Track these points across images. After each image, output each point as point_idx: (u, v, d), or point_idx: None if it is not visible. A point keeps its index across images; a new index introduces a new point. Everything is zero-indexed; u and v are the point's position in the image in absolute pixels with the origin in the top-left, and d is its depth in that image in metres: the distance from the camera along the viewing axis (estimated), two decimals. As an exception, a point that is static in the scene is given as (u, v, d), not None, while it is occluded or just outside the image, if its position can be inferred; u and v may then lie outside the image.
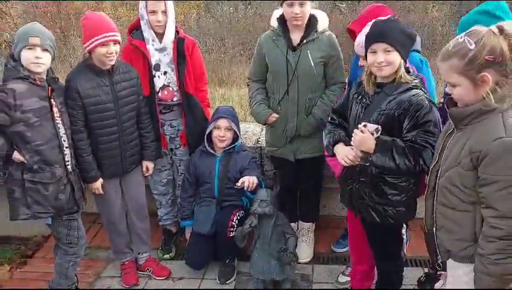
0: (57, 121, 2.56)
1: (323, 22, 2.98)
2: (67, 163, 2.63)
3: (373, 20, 2.31)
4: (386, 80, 2.22)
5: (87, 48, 2.68)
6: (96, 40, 2.63)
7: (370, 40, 2.20)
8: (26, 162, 2.49)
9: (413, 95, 2.14)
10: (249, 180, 2.94)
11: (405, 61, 2.21)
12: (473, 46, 1.66)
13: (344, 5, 13.11)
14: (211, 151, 3.19)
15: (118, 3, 14.71)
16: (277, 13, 3.03)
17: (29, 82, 2.45)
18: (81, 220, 2.87)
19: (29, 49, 2.43)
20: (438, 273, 2.71)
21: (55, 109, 2.55)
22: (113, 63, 2.74)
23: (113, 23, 2.75)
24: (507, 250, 1.68)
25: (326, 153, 2.59)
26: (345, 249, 3.30)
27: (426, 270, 3.08)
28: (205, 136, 3.16)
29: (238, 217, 3.08)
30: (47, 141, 2.52)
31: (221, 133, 3.12)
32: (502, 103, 1.68)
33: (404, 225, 2.71)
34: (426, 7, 12.77)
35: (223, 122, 3.12)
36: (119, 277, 3.19)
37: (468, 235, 1.81)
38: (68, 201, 2.65)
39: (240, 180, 2.97)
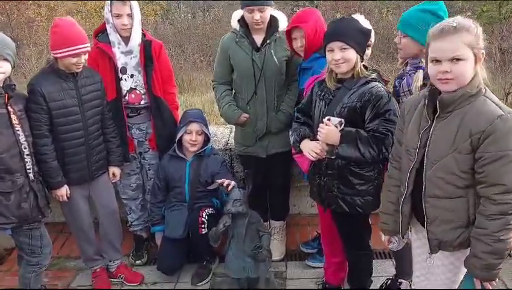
0: (17, 128, 2.48)
1: (283, 22, 3.08)
2: (28, 171, 2.54)
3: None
4: (345, 75, 2.33)
5: (56, 56, 2.63)
6: (69, 51, 2.59)
7: (327, 39, 2.31)
8: None
9: (372, 87, 2.26)
10: (229, 182, 2.94)
11: (361, 57, 2.31)
12: (474, 25, 1.76)
13: (302, 9, 13.40)
14: (181, 155, 3.18)
15: (73, 12, 14.39)
16: (237, 15, 3.09)
17: None
18: (48, 229, 2.80)
19: None
20: (399, 281, 2.82)
21: (13, 116, 2.47)
22: (79, 70, 2.71)
23: (84, 31, 2.71)
24: (511, 225, 1.72)
25: (293, 151, 2.65)
26: (314, 251, 3.32)
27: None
28: (175, 141, 3.15)
29: (208, 213, 3.06)
30: (7, 149, 2.43)
31: (193, 137, 3.13)
32: (475, 93, 1.76)
33: None
34: (381, 11, 13.20)
35: (194, 127, 3.12)
36: (90, 286, 3.13)
37: (463, 221, 1.84)
38: (32, 210, 2.57)
39: (219, 181, 2.95)
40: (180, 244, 3.14)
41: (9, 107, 2.45)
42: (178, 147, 3.18)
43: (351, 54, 2.26)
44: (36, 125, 2.64)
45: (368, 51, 2.53)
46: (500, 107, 1.74)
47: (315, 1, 13.21)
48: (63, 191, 2.79)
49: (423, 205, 1.93)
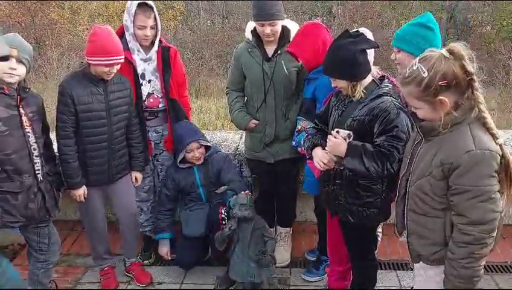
0: (27, 130, 2.55)
1: (295, 33, 3.09)
2: (37, 172, 2.61)
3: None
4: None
5: (90, 62, 2.72)
6: (103, 60, 2.69)
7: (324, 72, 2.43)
8: None
9: (382, 102, 2.26)
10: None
11: (355, 81, 2.31)
12: (426, 74, 1.75)
13: (319, 19, 13.46)
14: (187, 165, 3.25)
15: (94, 14, 14.68)
16: (251, 25, 3.16)
17: None
18: (59, 227, 2.89)
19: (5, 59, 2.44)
20: None
21: (24, 118, 2.53)
22: (110, 78, 2.81)
23: (120, 43, 2.80)
24: (476, 254, 1.79)
25: (307, 156, 2.69)
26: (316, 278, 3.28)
27: (399, 272, 3.24)
28: (178, 160, 3.23)
29: (225, 211, 3.11)
30: (16, 150, 2.50)
31: (195, 154, 3.20)
32: (463, 120, 1.78)
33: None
34: (399, 23, 13.21)
35: (194, 145, 3.19)
36: (98, 283, 3.20)
37: (439, 239, 1.91)
38: (39, 210, 2.64)
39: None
40: (198, 241, 3.22)
41: (21, 109, 2.52)
42: (182, 160, 3.25)
43: (343, 84, 2.32)
44: (62, 126, 2.75)
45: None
46: (475, 141, 1.74)
47: (333, 12, 13.25)
48: (81, 192, 2.88)
49: (405, 216, 2.00)
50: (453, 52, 1.76)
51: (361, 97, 2.31)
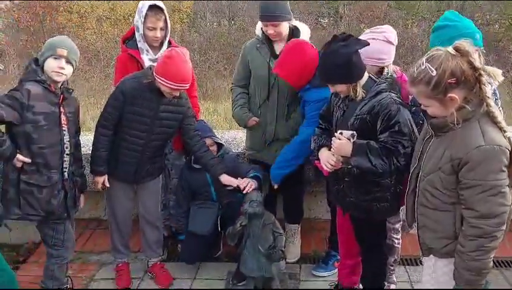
0: (64, 128, 2.66)
1: (304, 34, 3.14)
2: (64, 169, 2.70)
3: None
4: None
5: (157, 80, 2.77)
6: (170, 84, 2.74)
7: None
8: (29, 161, 2.57)
9: (382, 99, 2.30)
10: (250, 184, 3.03)
11: (354, 82, 2.34)
12: (434, 73, 1.76)
13: (326, 21, 13.48)
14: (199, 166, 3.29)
15: (102, 19, 14.82)
16: (261, 23, 3.19)
17: (43, 86, 2.56)
18: (73, 225, 2.96)
19: (55, 58, 2.56)
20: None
21: (63, 117, 2.65)
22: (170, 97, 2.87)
23: (190, 71, 2.84)
24: (485, 247, 1.82)
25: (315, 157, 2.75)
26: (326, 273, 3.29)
27: (408, 267, 3.30)
28: (191, 158, 3.28)
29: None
30: (50, 145, 2.61)
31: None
32: (472, 116, 1.80)
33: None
34: (406, 23, 13.21)
35: (207, 142, 3.21)
36: (112, 279, 3.27)
37: (449, 233, 1.94)
38: (59, 207, 2.72)
39: (242, 184, 3.03)
40: (203, 238, 3.26)
41: (61, 108, 2.64)
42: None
43: (343, 87, 2.37)
44: (105, 117, 2.87)
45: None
46: (485, 136, 1.77)
47: (339, 12, 13.28)
48: (101, 180, 2.96)
49: (416, 210, 2.04)
50: (459, 49, 1.79)
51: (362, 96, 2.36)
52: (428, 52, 1.87)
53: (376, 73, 2.49)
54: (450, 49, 1.80)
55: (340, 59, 2.28)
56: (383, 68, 2.50)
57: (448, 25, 2.55)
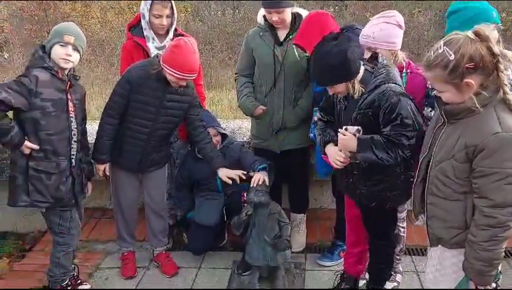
0: (71, 115, 2.67)
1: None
2: (72, 156, 2.72)
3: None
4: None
5: (164, 69, 2.75)
6: (177, 74, 2.72)
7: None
8: (37, 148, 2.57)
9: (381, 92, 2.25)
10: (259, 178, 3.00)
11: (353, 79, 2.29)
12: (452, 57, 1.72)
13: (332, 10, 13.36)
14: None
15: (106, 8, 14.75)
16: (263, 10, 3.16)
17: (51, 73, 2.56)
18: (82, 213, 2.98)
19: (62, 45, 2.56)
20: None
21: (70, 104, 2.66)
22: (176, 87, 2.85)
23: (198, 61, 2.81)
24: (499, 237, 1.79)
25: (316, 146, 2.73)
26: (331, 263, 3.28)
27: (415, 257, 3.30)
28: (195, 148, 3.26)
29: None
30: (58, 131, 2.62)
31: (213, 141, 3.22)
32: (489, 102, 1.76)
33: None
34: (412, 12, 13.07)
35: (211, 132, 3.22)
36: (117, 268, 3.28)
37: (459, 223, 1.91)
38: (67, 193, 2.73)
39: (252, 180, 3.01)
40: (210, 229, 3.27)
41: (68, 95, 2.64)
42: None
43: (339, 88, 2.33)
44: (111, 105, 2.87)
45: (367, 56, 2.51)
46: (501, 123, 1.73)
47: (345, 1, 13.15)
48: (102, 168, 2.98)
49: (425, 199, 2.01)
50: (479, 34, 1.74)
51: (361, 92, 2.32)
52: (446, 36, 1.82)
53: (370, 61, 2.43)
54: (470, 33, 1.75)
55: (335, 60, 2.22)
56: (377, 55, 2.44)
57: (463, 7, 2.49)
